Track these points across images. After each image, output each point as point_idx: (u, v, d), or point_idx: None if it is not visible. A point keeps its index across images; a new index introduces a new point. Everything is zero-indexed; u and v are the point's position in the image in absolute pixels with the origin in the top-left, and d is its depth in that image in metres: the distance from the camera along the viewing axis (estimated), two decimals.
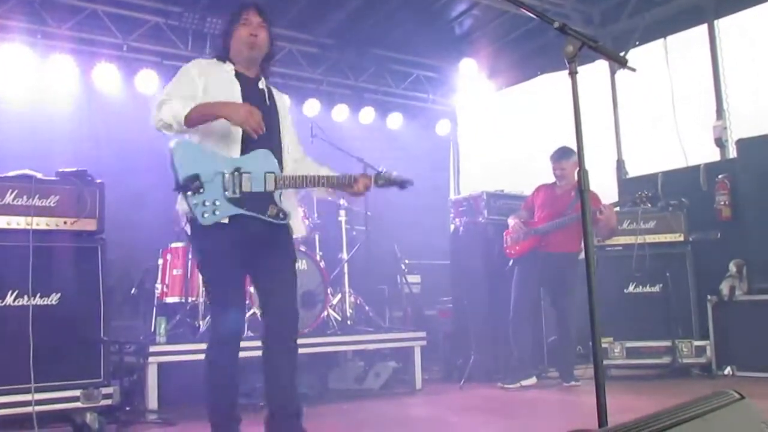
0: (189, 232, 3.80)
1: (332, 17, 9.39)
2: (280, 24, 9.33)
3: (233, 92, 3.73)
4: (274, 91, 4.02)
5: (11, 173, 5.16)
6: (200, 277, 5.97)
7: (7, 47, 7.66)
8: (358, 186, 3.93)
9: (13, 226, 5.08)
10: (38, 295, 5.03)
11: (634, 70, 9.07)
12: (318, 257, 7.16)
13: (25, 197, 5.11)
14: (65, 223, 5.24)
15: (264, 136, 3.66)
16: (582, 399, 6.26)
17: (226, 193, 3.60)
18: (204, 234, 3.66)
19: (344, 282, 7.45)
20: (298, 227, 4.05)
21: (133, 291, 6.79)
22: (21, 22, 7.80)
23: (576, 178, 6.09)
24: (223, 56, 3.89)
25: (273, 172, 3.71)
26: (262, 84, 3.93)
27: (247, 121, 3.52)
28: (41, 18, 7.97)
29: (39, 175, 5.23)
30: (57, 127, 7.65)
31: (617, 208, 7.16)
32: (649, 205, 6.90)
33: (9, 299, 4.96)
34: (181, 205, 3.69)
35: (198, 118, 3.55)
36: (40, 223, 5.15)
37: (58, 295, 5.14)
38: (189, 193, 3.54)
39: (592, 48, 2.30)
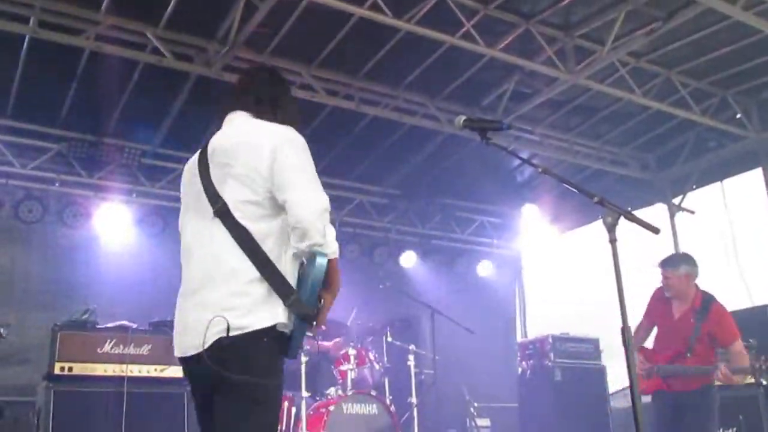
0: (266, 369, 2.58)
1: (399, 170, 10.02)
2: (350, 177, 10.06)
3: None
4: None
5: (110, 324, 5.69)
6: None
7: (107, 206, 8.47)
8: None
9: (110, 373, 5.56)
10: None
11: (692, 212, 9.27)
12: (388, 401, 7.34)
13: (121, 346, 5.61)
14: (156, 370, 5.69)
15: None
16: None
17: None
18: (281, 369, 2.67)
19: (414, 426, 7.54)
20: None
21: None
22: (120, 182, 8.70)
23: (688, 289, 5.97)
24: None
25: None
26: None
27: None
28: (137, 178, 8.81)
29: (134, 326, 5.74)
30: (150, 279, 8.26)
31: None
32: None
33: None
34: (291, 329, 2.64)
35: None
36: (134, 370, 5.61)
37: None
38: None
39: (628, 219, 2.65)
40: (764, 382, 6.74)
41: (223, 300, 2.55)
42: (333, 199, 10.20)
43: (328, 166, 9.65)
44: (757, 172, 8.95)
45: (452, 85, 8.21)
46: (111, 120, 8.17)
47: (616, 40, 7.14)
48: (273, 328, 2.53)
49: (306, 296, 2.58)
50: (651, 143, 9.83)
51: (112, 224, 8.50)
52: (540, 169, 3.00)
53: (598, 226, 10.75)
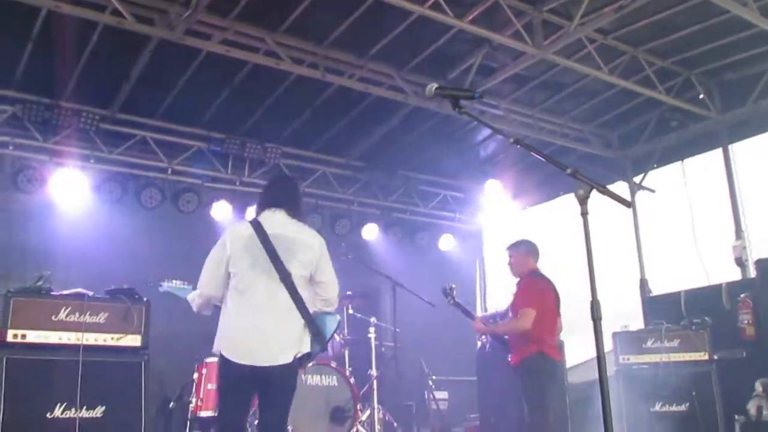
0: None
1: (363, 141, 9.94)
2: (313, 147, 9.96)
3: None
4: None
5: (66, 291, 5.54)
6: None
7: (63, 171, 8.23)
8: None
9: (65, 341, 5.44)
10: (84, 407, 5.31)
11: (653, 191, 9.36)
12: (348, 373, 7.34)
13: (77, 314, 5.48)
14: (113, 338, 5.59)
15: None
16: None
17: None
18: None
19: (373, 398, 7.56)
20: None
21: (171, 405, 6.98)
22: (77, 147, 8.44)
23: (520, 269, 6.15)
24: None
25: None
26: None
27: None
28: (95, 144, 8.58)
29: (91, 293, 5.60)
30: (107, 246, 8.07)
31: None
32: None
33: (57, 411, 5.24)
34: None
35: None
36: (90, 338, 5.49)
37: (103, 408, 5.42)
38: None
39: (600, 192, 2.62)
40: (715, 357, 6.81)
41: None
42: (295, 169, 10.06)
43: (291, 136, 9.53)
44: (717, 153, 9.06)
45: (419, 56, 8.12)
46: (68, 83, 7.90)
47: (584, 16, 7.11)
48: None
49: (328, 337, 4.35)
50: (614, 121, 9.88)
51: (69, 190, 8.25)
52: (512, 140, 2.96)
53: (559, 203, 10.92)
